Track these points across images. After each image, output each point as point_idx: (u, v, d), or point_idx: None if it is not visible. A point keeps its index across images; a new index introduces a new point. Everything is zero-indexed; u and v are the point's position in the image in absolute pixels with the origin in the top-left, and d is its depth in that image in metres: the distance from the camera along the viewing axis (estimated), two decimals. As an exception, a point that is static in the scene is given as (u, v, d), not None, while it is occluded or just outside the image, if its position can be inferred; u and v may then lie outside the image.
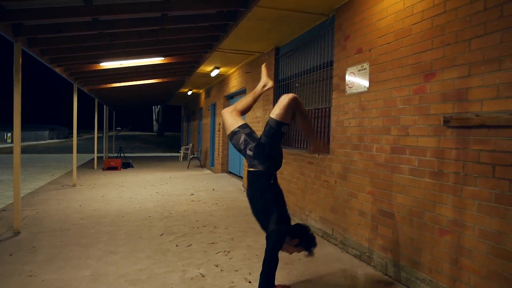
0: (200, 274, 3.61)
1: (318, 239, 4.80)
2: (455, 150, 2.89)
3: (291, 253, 3.06)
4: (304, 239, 2.91)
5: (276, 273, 2.86)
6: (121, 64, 7.68)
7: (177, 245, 4.47)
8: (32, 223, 5.44)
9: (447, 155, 2.97)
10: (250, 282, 3.44)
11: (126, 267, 3.77)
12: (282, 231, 2.83)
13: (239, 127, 3.12)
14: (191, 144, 17.44)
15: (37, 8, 4.38)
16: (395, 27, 3.60)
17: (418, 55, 3.29)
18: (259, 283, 2.84)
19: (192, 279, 3.49)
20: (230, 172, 11.65)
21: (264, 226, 2.94)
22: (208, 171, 12.80)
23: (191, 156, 14.88)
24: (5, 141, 35.17)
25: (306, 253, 2.97)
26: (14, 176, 4.84)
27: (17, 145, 4.87)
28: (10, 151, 23.25)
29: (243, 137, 3.07)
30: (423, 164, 3.21)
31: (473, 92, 2.75)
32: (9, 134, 35.34)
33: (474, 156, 2.73)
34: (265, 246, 2.84)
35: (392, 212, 3.60)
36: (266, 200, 2.88)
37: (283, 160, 6.26)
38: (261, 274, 2.83)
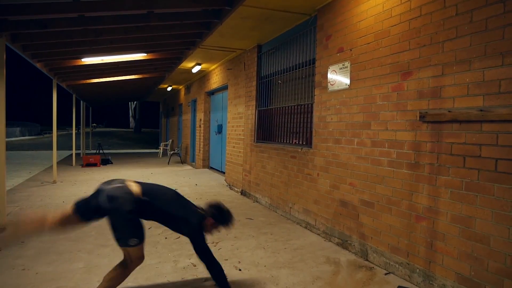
0: (192, 263, 3.76)
1: (301, 230, 5.06)
2: (430, 143, 3.15)
3: (211, 233, 3.10)
4: (218, 217, 3.00)
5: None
6: (102, 60, 7.66)
7: (166, 238, 4.60)
8: (17, 219, 5.43)
9: (422, 147, 3.22)
10: (240, 270, 3.62)
11: (119, 259, 3.82)
12: (196, 225, 2.91)
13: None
14: (170, 140, 17.41)
15: (23, 3, 4.38)
16: (374, 28, 3.83)
17: (396, 55, 3.54)
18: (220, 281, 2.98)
19: (184, 268, 3.64)
20: (211, 168, 11.77)
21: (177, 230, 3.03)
22: (189, 167, 12.87)
23: (171, 152, 14.89)
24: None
25: (225, 227, 3.09)
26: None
27: (1, 142, 4.87)
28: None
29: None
30: (401, 156, 3.47)
31: (446, 90, 3.01)
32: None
33: (447, 149, 2.99)
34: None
35: (372, 202, 3.85)
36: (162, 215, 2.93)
37: (266, 155, 6.45)
38: (210, 269, 2.95)
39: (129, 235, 2.66)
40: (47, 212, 2.77)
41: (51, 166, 9.29)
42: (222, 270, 2.98)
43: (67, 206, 2.78)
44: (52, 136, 9.00)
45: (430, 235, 3.16)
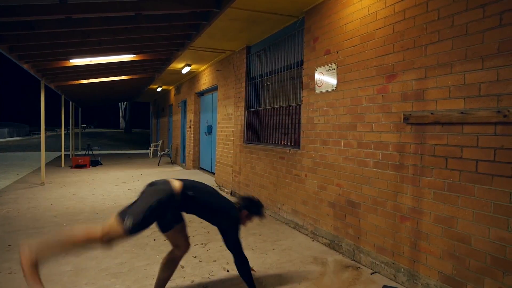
0: (180, 265, 3.77)
1: (289, 230, 5.10)
2: (414, 145, 3.21)
3: (245, 224, 3.17)
4: (252, 208, 3.07)
5: (251, 262, 3.06)
6: (90, 61, 7.62)
7: (154, 239, 4.60)
8: (4, 222, 5.38)
9: (407, 149, 3.28)
10: (228, 271, 3.65)
11: (107, 261, 3.87)
12: (236, 218, 2.99)
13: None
14: (161, 141, 17.35)
15: (9, 5, 4.35)
16: (360, 31, 3.89)
17: (381, 58, 3.59)
18: (246, 278, 3.02)
19: (172, 270, 3.65)
20: (201, 168, 11.76)
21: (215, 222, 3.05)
22: (180, 168, 12.85)
23: (161, 153, 14.84)
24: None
25: (259, 217, 3.15)
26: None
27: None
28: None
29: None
30: (386, 158, 3.52)
31: (429, 92, 3.06)
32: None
33: (430, 150, 3.05)
34: (240, 237, 3.04)
35: (359, 202, 3.90)
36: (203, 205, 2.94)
37: (255, 156, 6.47)
38: (238, 262, 3.01)
39: (136, 215, 2.49)
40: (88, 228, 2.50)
41: (40, 168, 9.21)
42: (248, 264, 3.04)
43: (113, 220, 2.50)
44: (40, 137, 8.93)
45: (414, 235, 3.21)
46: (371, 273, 3.62)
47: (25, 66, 7.19)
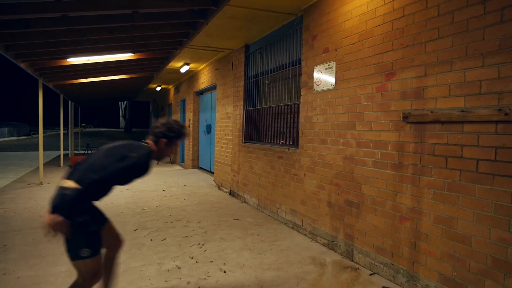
0: (176, 266, 3.72)
1: (288, 231, 5.05)
2: (413, 144, 3.15)
3: (172, 152, 2.77)
4: (170, 134, 2.61)
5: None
6: (88, 60, 7.56)
7: (151, 240, 4.55)
8: (0, 222, 5.34)
9: (406, 148, 3.23)
10: (225, 272, 3.60)
11: (102, 262, 3.82)
12: (143, 155, 2.48)
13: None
14: (160, 140, 17.27)
15: (4, 3, 4.29)
16: (359, 28, 3.83)
17: (380, 56, 3.54)
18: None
19: (168, 271, 3.60)
20: (201, 168, 11.71)
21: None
22: (179, 167, 12.80)
23: (160, 152, 14.76)
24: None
25: (182, 139, 2.75)
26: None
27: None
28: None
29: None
30: (385, 157, 3.47)
31: (429, 90, 3.01)
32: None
33: (430, 149, 3.00)
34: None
35: (357, 202, 3.84)
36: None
37: (254, 155, 6.42)
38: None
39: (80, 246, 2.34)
40: None
41: (39, 167, 9.18)
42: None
43: None
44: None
45: (413, 235, 3.16)
46: (370, 274, 3.57)
47: (22, 65, 7.14)
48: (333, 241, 4.26)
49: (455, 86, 2.79)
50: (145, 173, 2.56)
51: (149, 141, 2.62)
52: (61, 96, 12.46)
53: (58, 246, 4.27)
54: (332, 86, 4.28)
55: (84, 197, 2.30)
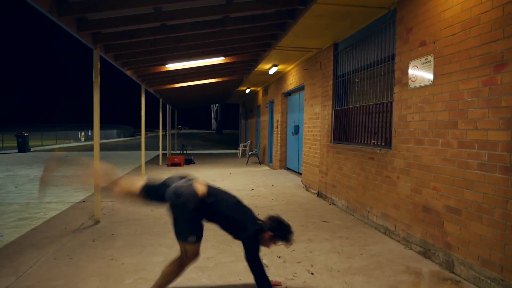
0: (264, 264, 3.75)
1: (379, 235, 4.79)
2: (529, 144, 2.76)
3: (269, 247, 3.03)
4: (277, 231, 2.88)
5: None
6: (184, 66, 8.10)
7: (240, 237, 4.67)
8: (109, 213, 5.96)
9: (520, 149, 2.84)
10: (312, 273, 3.54)
11: (195, 255, 4.03)
12: (252, 233, 2.85)
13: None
14: (249, 141, 17.79)
15: (113, 17, 4.79)
16: (461, 17, 3.48)
17: (487, 45, 3.17)
18: None
19: (256, 268, 3.66)
20: (288, 168, 11.76)
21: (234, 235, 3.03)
22: (267, 168, 13.01)
23: (249, 153, 15.20)
24: (79, 140, 38.02)
25: (284, 242, 2.97)
26: (95, 169, 5.33)
27: (96, 142, 5.40)
28: (84, 149, 25.28)
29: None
30: (494, 159, 3.09)
31: (550, 82, 2.61)
32: (83, 133, 38.17)
33: (551, 150, 2.59)
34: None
35: (459, 209, 3.49)
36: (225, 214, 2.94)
37: (343, 156, 6.25)
38: (256, 281, 2.86)
39: (188, 231, 2.78)
40: (128, 182, 3.19)
41: (141, 165, 10.10)
42: (269, 285, 2.86)
43: (140, 184, 3.05)
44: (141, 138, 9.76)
45: (529, 248, 2.76)
46: (475, 289, 3.22)
47: (128, 73, 7.89)
48: (429, 249, 3.93)
49: None
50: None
51: (262, 224, 2.93)
52: (160, 100, 13.52)
53: (156, 238, 4.63)
54: (430, 82, 3.96)
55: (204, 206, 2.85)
